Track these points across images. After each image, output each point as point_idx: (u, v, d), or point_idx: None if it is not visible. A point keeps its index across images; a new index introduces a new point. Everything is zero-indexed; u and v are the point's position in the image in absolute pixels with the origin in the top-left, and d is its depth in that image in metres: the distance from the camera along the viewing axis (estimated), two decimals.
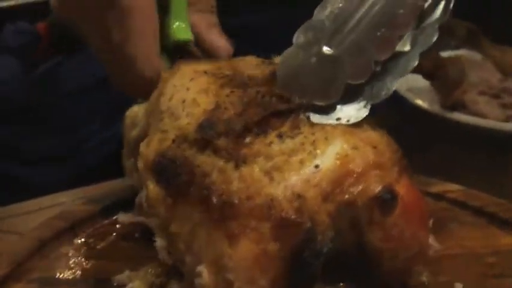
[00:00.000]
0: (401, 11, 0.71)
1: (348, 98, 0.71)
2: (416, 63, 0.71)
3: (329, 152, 0.65)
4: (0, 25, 1.59)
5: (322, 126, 0.68)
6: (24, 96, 1.51)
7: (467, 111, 1.27)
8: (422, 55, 0.71)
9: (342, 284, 0.68)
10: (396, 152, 0.68)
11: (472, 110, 1.27)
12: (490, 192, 0.93)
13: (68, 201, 1.04)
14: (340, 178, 0.64)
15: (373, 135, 0.69)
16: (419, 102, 1.32)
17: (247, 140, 0.67)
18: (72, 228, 0.89)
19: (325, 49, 0.72)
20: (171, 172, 0.68)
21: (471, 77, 1.34)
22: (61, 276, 0.80)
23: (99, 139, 1.52)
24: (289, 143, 0.66)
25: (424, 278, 0.75)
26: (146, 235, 0.77)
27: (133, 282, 0.75)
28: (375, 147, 0.67)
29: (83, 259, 0.83)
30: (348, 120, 0.69)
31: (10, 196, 1.09)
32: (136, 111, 0.86)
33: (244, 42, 0.96)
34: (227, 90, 0.73)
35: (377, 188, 0.64)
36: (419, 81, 1.38)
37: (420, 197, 0.69)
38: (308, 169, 0.64)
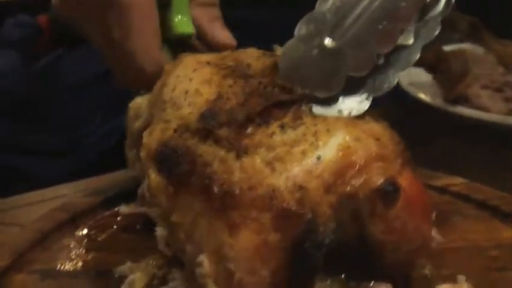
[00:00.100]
0: (404, 4, 0.71)
1: (350, 90, 0.70)
2: (418, 56, 0.71)
3: (331, 144, 0.65)
4: (0, 18, 1.59)
5: (325, 117, 0.68)
6: (25, 89, 1.51)
7: (469, 105, 1.26)
8: (424, 48, 0.71)
9: (343, 276, 0.68)
10: (399, 144, 0.68)
11: (474, 104, 1.26)
12: (493, 185, 0.92)
13: (69, 193, 1.04)
14: (342, 170, 0.64)
15: (376, 127, 0.69)
16: (421, 96, 1.32)
17: (249, 130, 0.66)
18: (73, 220, 0.89)
19: (327, 41, 0.72)
20: (172, 161, 0.68)
21: (474, 70, 1.33)
22: (62, 267, 0.80)
23: (99, 133, 1.52)
24: (291, 134, 0.66)
25: (427, 271, 0.75)
26: (147, 227, 0.77)
27: (134, 274, 0.75)
28: (377, 139, 0.67)
29: (84, 251, 0.83)
30: (349, 113, 0.69)
31: (10, 188, 1.09)
32: (140, 102, 0.85)
33: (246, 35, 0.96)
34: (230, 81, 0.73)
35: (379, 180, 0.64)
36: (422, 75, 1.38)
37: (423, 189, 0.69)
38: (310, 160, 0.64)
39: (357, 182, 0.64)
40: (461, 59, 1.34)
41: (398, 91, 1.33)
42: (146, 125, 0.77)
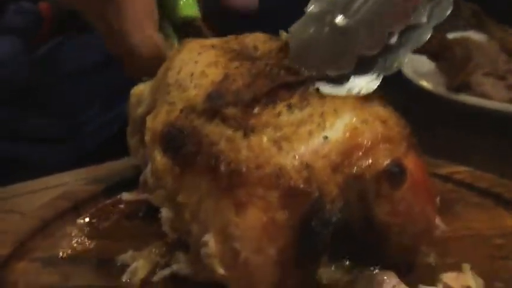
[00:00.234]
0: None
1: (360, 69, 0.70)
2: (429, 35, 0.70)
3: (338, 125, 0.65)
4: (2, 5, 1.58)
5: (332, 98, 0.68)
6: (25, 77, 1.51)
7: (472, 93, 1.26)
8: (435, 29, 0.71)
9: (348, 263, 0.68)
10: (405, 127, 0.68)
11: (477, 92, 1.26)
12: (496, 173, 0.92)
13: (71, 181, 1.04)
14: (349, 150, 0.64)
15: (382, 110, 0.69)
16: (424, 83, 1.31)
17: (256, 110, 0.66)
18: (75, 208, 0.89)
19: (338, 19, 0.71)
20: (178, 141, 0.68)
21: (477, 58, 1.33)
22: (64, 255, 0.80)
23: (99, 121, 1.51)
24: (297, 114, 0.66)
25: (431, 260, 0.75)
26: (150, 214, 0.77)
27: (137, 262, 0.75)
28: (384, 121, 0.67)
29: (86, 239, 0.83)
30: (359, 91, 0.69)
31: (10, 176, 1.09)
32: (142, 89, 0.85)
33: (252, 23, 0.96)
34: (236, 63, 0.73)
35: (385, 162, 0.64)
36: (425, 62, 1.38)
37: (427, 173, 0.69)
38: (317, 140, 0.64)
39: (363, 163, 0.64)
40: (464, 46, 1.33)
41: (401, 79, 1.33)
42: (149, 111, 0.77)
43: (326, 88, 0.69)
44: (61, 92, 1.52)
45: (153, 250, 0.76)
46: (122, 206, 0.89)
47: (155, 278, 0.72)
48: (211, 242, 0.63)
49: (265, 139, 0.64)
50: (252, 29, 0.85)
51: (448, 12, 0.70)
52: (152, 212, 0.75)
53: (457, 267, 0.71)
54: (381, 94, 0.71)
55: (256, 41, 0.80)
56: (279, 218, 0.61)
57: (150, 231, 0.77)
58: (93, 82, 1.52)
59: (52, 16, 1.46)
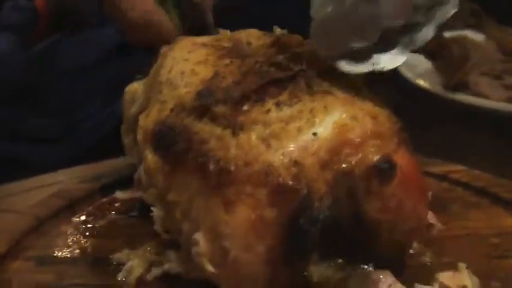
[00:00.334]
0: None
1: (384, 44, 0.69)
2: (455, 10, 0.70)
3: (327, 121, 0.65)
4: None
5: (322, 96, 0.67)
6: (22, 75, 1.50)
7: (469, 92, 1.26)
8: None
9: (340, 261, 0.67)
10: (396, 123, 0.68)
11: (474, 91, 1.26)
12: (493, 172, 0.92)
13: (66, 180, 1.03)
14: (338, 147, 0.64)
15: (373, 106, 0.69)
16: (421, 82, 1.31)
17: (245, 107, 0.66)
18: (70, 206, 0.88)
19: None
20: (169, 140, 0.68)
21: (474, 57, 1.32)
22: (59, 254, 0.80)
23: (97, 119, 1.51)
24: (286, 111, 0.66)
25: (427, 259, 0.75)
26: (145, 213, 0.77)
27: (132, 261, 0.74)
28: (374, 117, 0.67)
29: (81, 237, 0.83)
30: (383, 68, 0.69)
31: (8, 174, 1.09)
32: (136, 87, 0.85)
33: (246, 22, 0.96)
34: (226, 61, 0.73)
35: (375, 157, 0.64)
36: (422, 61, 1.38)
37: (419, 170, 0.69)
38: (306, 137, 0.64)
39: (352, 159, 0.64)
40: (462, 46, 1.33)
41: (397, 78, 1.33)
42: (142, 109, 0.77)
43: (349, 66, 0.68)
44: (59, 90, 1.52)
45: (148, 249, 0.75)
46: (117, 204, 0.89)
47: (148, 277, 0.72)
48: (201, 241, 0.63)
49: (254, 136, 0.64)
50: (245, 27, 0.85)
51: None
52: (147, 210, 0.74)
53: (453, 267, 0.70)
54: (375, 92, 0.71)
55: (250, 36, 0.80)
56: (268, 215, 0.61)
57: (146, 230, 0.77)
58: (91, 79, 1.52)
59: (48, 13, 1.45)
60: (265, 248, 0.61)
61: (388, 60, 0.69)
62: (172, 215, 0.67)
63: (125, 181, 0.90)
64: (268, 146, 0.63)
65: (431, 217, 0.77)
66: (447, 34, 1.39)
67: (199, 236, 0.63)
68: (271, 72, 0.70)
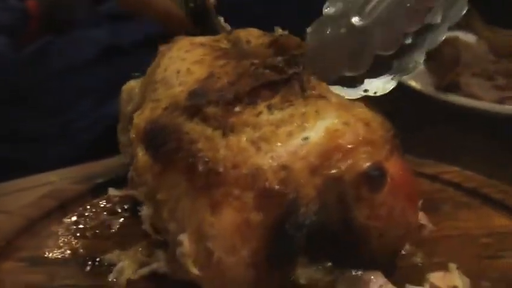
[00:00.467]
0: None
1: (376, 70, 0.70)
2: (444, 36, 0.71)
3: (319, 126, 0.65)
4: None
5: (315, 100, 0.67)
6: (14, 75, 1.50)
7: (461, 93, 1.26)
8: (450, 29, 0.71)
9: (329, 264, 0.67)
10: (389, 130, 0.68)
11: (465, 92, 1.26)
12: (484, 173, 0.92)
13: (58, 180, 1.03)
14: (329, 152, 0.64)
15: (367, 112, 0.68)
16: (413, 83, 1.31)
17: (237, 109, 0.66)
18: (61, 207, 0.88)
19: (355, 20, 0.71)
20: (160, 139, 0.67)
21: (465, 58, 1.33)
22: (50, 255, 0.79)
23: (90, 119, 1.51)
24: (278, 115, 0.65)
25: (418, 259, 0.75)
26: (136, 214, 0.77)
27: (123, 262, 0.74)
28: (367, 124, 0.66)
29: (72, 238, 0.83)
30: (375, 93, 0.69)
31: (0, 175, 1.09)
32: (133, 85, 0.86)
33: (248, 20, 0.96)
34: (222, 61, 0.73)
35: (365, 164, 0.64)
36: None
37: (411, 177, 0.69)
38: (296, 141, 0.63)
39: (343, 165, 0.64)
40: (453, 47, 1.33)
41: None
42: (138, 108, 0.77)
43: (342, 90, 0.69)
44: (51, 90, 1.52)
45: (139, 249, 0.75)
46: (109, 205, 0.89)
47: (135, 276, 0.72)
48: (186, 241, 0.63)
49: (243, 139, 0.63)
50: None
51: (463, 12, 0.71)
52: (139, 211, 0.74)
53: (444, 267, 0.71)
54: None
55: (250, 35, 0.80)
56: (253, 219, 0.61)
57: (137, 231, 0.77)
58: (82, 80, 1.52)
59: (40, 14, 1.45)
60: (250, 252, 0.61)
61: (380, 86, 0.70)
62: (160, 215, 0.67)
63: (117, 181, 0.90)
64: (258, 149, 0.63)
65: (422, 217, 0.77)
66: None
67: (184, 237, 0.63)
68: (266, 74, 0.69)
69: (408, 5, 0.70)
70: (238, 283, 0.62)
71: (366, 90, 0.70)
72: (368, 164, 0.63)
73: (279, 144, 0.63)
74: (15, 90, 1.50)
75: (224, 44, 0.79)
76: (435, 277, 0.68)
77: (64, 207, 0.88)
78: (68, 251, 0.80)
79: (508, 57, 1.36)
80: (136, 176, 0.71)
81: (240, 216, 0.61)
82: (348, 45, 0.72)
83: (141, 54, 1.21)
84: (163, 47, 0.81)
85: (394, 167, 0.65)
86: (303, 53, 0.74)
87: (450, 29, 0.72)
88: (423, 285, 0.68)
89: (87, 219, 0.86)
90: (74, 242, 0.82)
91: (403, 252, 0.74)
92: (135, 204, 0.79)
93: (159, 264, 0.71)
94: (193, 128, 0.66)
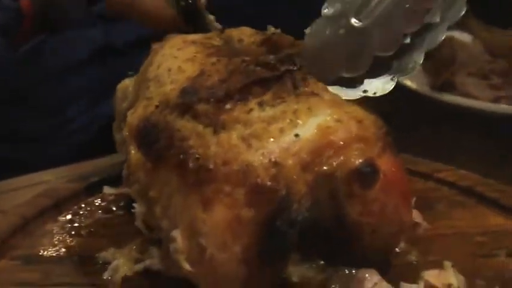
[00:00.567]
0: None
1: (375, 71, 0.70)
2: (443, 36, 0.71)
3: (311, 123, 0.65)
4: None
5: (307, 97, 0.67)
6: (8, 75, 1.50)
7: (456, 92, 1.26)
8: (449, 29, 0.71)
9: (321, 262, 0.67)
10: (381, 128, 0.68)
11: (460, 91, 1.26)
12: (479, 172, 0.92)
13: (53, 179, 1.03)
14: (320, 149, 0.64)
15: (360, 110, 0.68)
16: (408, 83, 1.31)
17: (228, 106, 0.66)
18: (56, 205, 0.88)
19: (354, 21, 0.71)
20: (152, 137, 0.68)
21: (461, 58, 1.33)
22: (45, 253, 0.80)
23: (85, 119, 1.51)
24: (269, 111, 0.66)
25: (413, 257, 0.75)
26: (131, 212, 0.77)
27: (117, 260, 0.75)
28: (359, 121, 0.66)
29: (67, 236, 0.83)
30: (374, 93, 0.69)
31: None
32: (128, 84, 0.86)
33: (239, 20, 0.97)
34: (213, 59, 0.73)
35: (357, 161, 0.64)
36: None
37: (404, 174, 0.69)
38: (287, 138, 0.64)
39: (334, 161, 0.64)
40: (449, 46, 1.33)
41: None
42: (132, 106, 0.77)
43: (340, 91, 0.69)
44: (45, 90, 1.51)
45: (134, 247, 0.75)
46: (103, 203, 0.89)
47: (129, 273, 0.72)
48: (178, 238, 0.63)
49: (234, 136, 0.64)
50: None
51: (462, 13, 0.71)
52: (133, 209, 0.74)
53: (438, 265, 0.71)
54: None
55: (242, 34, 0.81)
56: (245, 215, 0.61)
57: (132, 229, 0.77)
58: (77, 79, 1.52)
59: (33, 13, 1.45)
60: (241, 248, 0.61)
61: (379, 86, 0.70)
62: (153, 212, 0.67)
63: (112, 180, 0.90)
64: (249, 145, 0.63)
65: (417, 216, 0.77)
66: None
67: (176, 233, 0.63)
68: (257, 71, 0.70)
69: (407, 6, 0.70)
70: (230, 279, 0.62)
71: (365, 91, 0.70)
72: (360, 160, 0.63)
73: (270, 140, 0.63)
74: (10, 91, 1.49)
75: (216, 42, 0.79)
76: (430, 275, 0.68)
77: (59, 206, 0.88)
78: (63, 250, 0.80)
79: (504, 56, 1.36)
80: (129, 173, 0.71)
81: (232, 212, 0.61)
82: (347, 46, 0.72)
83: (135, 53, 1.21)
84: (156, 45, 0.81)
85: (386, 164, 0.65)
86: (298, 51, 0.74)
87: (448, 28, 0.72)
88: (418, 283, 0.68)
89: (82, 218, 0.86)
90: (68, 241, 0.82)
91: (397, 250, 0.74)
92: (129, 203, 0.79)
93: (153, 261, 0.71)
94: (185, 125, 0.66)
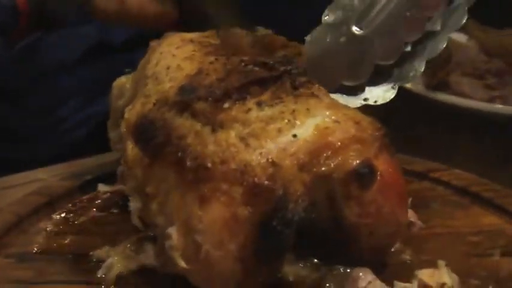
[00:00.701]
0: None
1: (376, 79, 0.70)
2: (445, 44, 0.71)
3: (309, 123, 0.65)
4: None
5: (306, 98, 0.67)
6: (4, 73, 1.50)
7: (451, 92, 1.26)
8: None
9: (316, 261, 0.67)
10: (378, 129, 0.68)
11: (455, 91, 1.26)
12: (473, 172, 0.92)
13: (47, 177, 1.03)
14: (318, 149, 0.64)
15: (357, 112, 0.69)
16: None
17: (226, 105, 0.66)
18: (50, 203, 0.88)
19: (355, 29, 0.71)
20: (149, 133, 0.68)
21: (456, 57, 1.33)
22: (39, 251, 0.79)
23: (80, 117, 1.51)
24: (267, 111, 0.66)
25: (407, 257, 0.75)
26: (125, 210, 0.77)
27: (112, 258, 0.74)
28: (357, 122, 0.66)
29: (61, 234, 0.82)
30: (375, 101, 0.70)
31: None
32: (124, 81, 0.86)
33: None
34: (211, 58, 0.73)
35: (355, 162, 0.64)
36: None
37: (400, 176, 0.69)
38: (285, 138, 0.64)
39: (332, 162, 0.64)
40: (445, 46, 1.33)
41: None
42: (129, 103, 0.77)
43: (343, 98, 0.69)
44: (41, 88, 1.51)
45: (128, 245, 0.75)
46: (98, 201, 0.89)
47: (123, 270, 0.72)
48: (174, 235, 0.63)
49: (232, 135, 0.64)
50: None
51: (463, 21, 0.71)
52: (128, 207, 0.74)
53: (432, 264, 0.71)
54: None
55: (235, 36, 0.80)
56: (241, 214, 0.61)
57: (126, 227, 0.77)
58: (72, 77, 1.52)
59: (29, 10, 1.44)
60: (237, 246, 0.61)
61: (380, 94, 0.70)
62: (149, 208, 0.67)
63: (106, 178, 0.90)
64: (247, 145, 0.63)
65: (411, 215, 0.77)
66: None
67: (172, 230, 0.63)
68: (256, 71, 0.70)
69: (408, 14, 0.70)
70: (225, 277, 0.62)
71: (366, 99, 0.70)
72: (357, 161, 0.64)
73: (268, 140, 0.63)
74: (5, 89, 1.49)
75: (214, 41, 0.79)
76: (424, 274, 0.68)
77: (53, 203, 0.88)
78: (57, 248, 0.80)
79: (499, 56, 1.36)
80: (126, 170, 0.71)
81: (228, 211, 0.61)
82: (348, 54, 0.72)
83: (130, 51, 1.21)
84: (154, 42, 0.81)
85: (383, 165, 0.66)
86: (294, 52, 0.74)
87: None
88: (412, 282, 0.68)
89: (76, 216, 0.86)
90: (62, 239, 0.81)
91: (392, 249, 0.74)
92: (124, 201, 0.79)
93: (148, 258, 0.71)
94: (183, 123, 0.66)
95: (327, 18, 0.74)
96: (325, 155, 0.64)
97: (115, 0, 0.92)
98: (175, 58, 0.75)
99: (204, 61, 0.72)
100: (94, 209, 0.87)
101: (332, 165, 0.64)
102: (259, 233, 0.61)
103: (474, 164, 0.98)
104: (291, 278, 0.66)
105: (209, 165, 0.62)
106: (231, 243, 0.61)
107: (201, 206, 0.61)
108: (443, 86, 1.27)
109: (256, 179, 0.61)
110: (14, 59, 1.50)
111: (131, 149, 0.70)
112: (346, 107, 0.68)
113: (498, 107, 1.21)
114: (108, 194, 0.88)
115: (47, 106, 1.50)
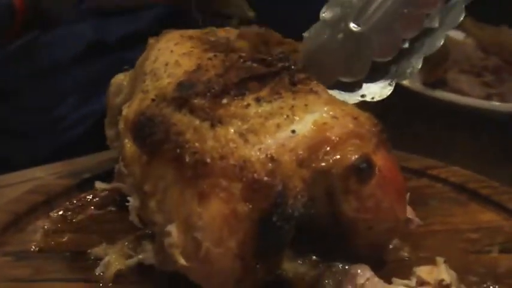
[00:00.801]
0: None
1: (374, 76, 0.70)
2: (442, 42, 0.71)
3: (307, 119, 0.65)
4: None
5: (305, 94, 0.67)
6: (1, 71, 1.49)
7: (448, 89, 1.26)
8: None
9: (314, 258, 0.67)
10: (376, 125, 0.68)
11: (453, 88, 1.26)
12: (471, 169, 0.92)
13: (44, 176, 1.03)
14: (317, 145, 0.64)
15: (355, 107, 0.69)
16: None
17: (225, 101, 0.66)
18: (48, 201, 0.88)
19: (352, 26, 0.71)
20: (147, 130, 0.67)
21: (453, 55, 1.33)
22: (36, 249, 0.79)
23: (77, 115, 1.50)
24: (266, 107, 0.66)
25: (405, 253, 0.75)
26: (123, 208, 0.76)
27: (109, 256, 0.74)
28: (355, 118, 0.66)
29: (58, 232, 0.82)
30: (372, 98, 0.70)
31: None
32: (122, 78, 0.86)
33: None
34: (210, 54, 0.73)
35: (353, 157, 0.64)
36: None
37: (398, 171, 0.69)
38: (284, 133, 0.64)
39: (331, 158, 0.64)
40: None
41: None
42: (127, 100, 0.77)
43: (340, 94, 0.69)
44: (37, 87, 1.51)
45: (126, 243, 0.75)
46: (95, 199, 0.89)
47: (122, 267, 0.72)
48: (173, 232, 0.63)
49: (231, 130, 0.64)
50: None
51: (461, 18, 0.71)
52: (125, 205, 0.74)
53: (431, 261, 0.71)
54: None
55: (229, 33, 0.81)
56: (241, 210, 0.61)
57: (124, 225, 0.77)
58: (69, 76, 1.51)
59: (25, 9, 1.44)
60: (237, 243, 0.61)
61: (377, 91, 0.70)
62: (148, 206, 0.67)
63: (104, 176, 0.90)
64: (246, 140, 0.63)
65: (409, 212, 0.77)
66: None
67: (172, 228, 0.63)
68: (255, 67, 0.70)
69: (406, 11, 0.70)
70: (225, 274, 0.62)
71: (363, 95, 0.70)
72: (356, 156, 0.64)
73: (267, 136, 0.63)
74: (2, 87, 1.49)
75: (213, 37, 0.79)
76: (422, 271, 0.68)
77: (50, 202, 0.88)
78: (55, 246, 0.80)
79: (496, 54, 1.37)
80: (124, 167, 0.71)
81: (228, 207, 0.61)
82: (345, 51, 0.72)
83: (126, 50, 1.21)
84: (153, 39, 0.81)
85: (381, 160, 0.66)
86: (291, 49, 0.74)
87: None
88: (410, 279, 0.68)
89: (74, 214, 0.86)
90: (60, 237, 0.81)
91: (390, 246, 0.74)
92: (121, 199, 0.79)
93: (146, 255, 0.71)
94: (181, 119, 0.66)
95: (324, 14, 0.74)
96: (323, 150, 0.64)
97: None
98: (173, 54, 0.74)
99: (203, 57, 0.72)
100: (92, 207, 0.87)
101: (331, 160, 0.63)
102: (258, 229, 0.61)
103: (472, 161, 0.98)
104: (290, 275, 0.66)
105: (208, 160, 0.62)
106: (230, 240, 0.61)
107: (200, 202, 0.61)
108: (441, 83, 1.27)
109: (255, 175, 0.61)
110: (9, 59, 1.50)
111: (129, 146, 0.70)
112: (344, 103, 0.68)
113: (495, 104, 1.21)
114: (106, 192, 0.88)
115: (43, 105, 1.50)
